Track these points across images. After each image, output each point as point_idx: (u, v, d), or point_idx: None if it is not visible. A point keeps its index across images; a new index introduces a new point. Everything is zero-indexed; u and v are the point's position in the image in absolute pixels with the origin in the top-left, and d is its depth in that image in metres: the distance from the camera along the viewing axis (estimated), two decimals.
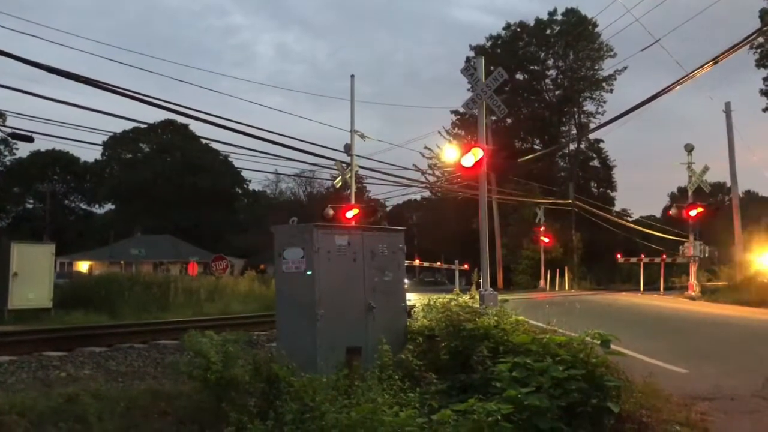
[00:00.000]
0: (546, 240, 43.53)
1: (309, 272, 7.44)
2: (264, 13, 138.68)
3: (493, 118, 30.89)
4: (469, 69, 13.42)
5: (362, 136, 24.52)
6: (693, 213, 27.25)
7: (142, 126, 50.59)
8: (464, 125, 56.58)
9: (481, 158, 12.55)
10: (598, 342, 6.61)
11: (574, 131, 62.88)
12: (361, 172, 27.97)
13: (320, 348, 7.22)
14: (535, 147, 57.32)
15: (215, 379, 6.10)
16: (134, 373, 9.16)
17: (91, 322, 16.28)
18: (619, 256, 34.22)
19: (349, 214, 22.98)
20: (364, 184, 48.47)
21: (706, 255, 30.89)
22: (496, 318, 8.10)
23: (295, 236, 7.82)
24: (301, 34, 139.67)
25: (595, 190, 64.20)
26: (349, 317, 7.72)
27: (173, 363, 8.10)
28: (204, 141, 52.02)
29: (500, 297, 11.47)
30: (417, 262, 39.23)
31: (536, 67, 63.11)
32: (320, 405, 5.43)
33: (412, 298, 12.15)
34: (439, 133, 57.79)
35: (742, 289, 24.29)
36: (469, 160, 12.52)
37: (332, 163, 25.75)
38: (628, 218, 65.34)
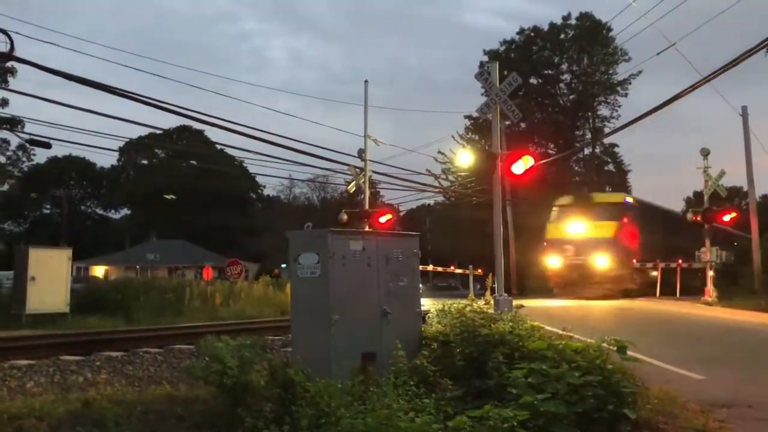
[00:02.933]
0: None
1: (323, 277, 7.48)
2: (276, 19, 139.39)
3: (507, 122, 30.80)
4: (483, 74, 13.42)
5: (375, 141, 24.61)
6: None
7: (158, 132, 51.07)
8: (478, 130, 56.43)
9: (496, 163, 12.57)
10: (615, 348, 6.58)
11: (589, 136, 62.58)
12: (375, 177, 28.04)
13: (335, 353, 7.24)
14: (550, 152, 57.03)
15: (231, 384, 6.13)
16: (150, 377, 9.22)
17: (107, 327, 16.41)
18: (634, 260, 33.94)
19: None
20: (378, 189, 48.55)
21: (723, 260, 30.56)
22: (511, 324, 8.08)
23: (310, 241, 7.86)
24: (314, 39, 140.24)
25: None
26: (364, 322, 7.73)
27: (189, 368, 8.14)
28: (219, 146, 52.41)
29: (515, 302, 11.45)
30: (431, 267, 39.12)
31: (550, 72, 62.87)
32: (335, 410, 5.45)
33: (427, 304, 12.14)
34: (453, 137, 57.70)
35: (760, 295, 24.07)
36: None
37: (346, 167, 25.87)
38: None
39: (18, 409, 6.12)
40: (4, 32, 12.47)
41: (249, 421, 5.61)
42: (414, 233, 9.28)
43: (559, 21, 61.91)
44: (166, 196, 62.01)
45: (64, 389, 7.97)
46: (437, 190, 44.95)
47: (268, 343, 11.94)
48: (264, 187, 79.01)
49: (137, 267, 55.47)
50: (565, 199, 34.01)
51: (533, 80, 61.00)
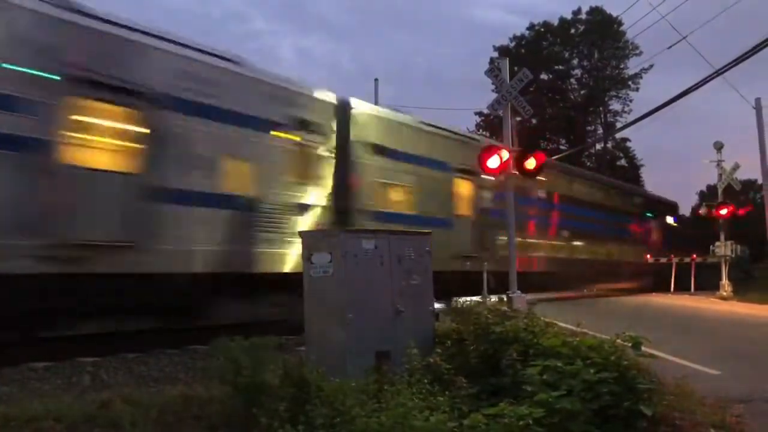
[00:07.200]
0: None
1: (336, 276, 7.49)
2: (284, 18, 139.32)
3: (519, 118, 30.70)
4: (493, 70, 13.38)
5: None
6: (723, 212, 27.59)
7: None
8: (489, 126, 56.34)
9: (507, 160, 12.52)
10: (630, 344, 6.55)
11: (600, 131, 62.34)
12: None
13: (349, 352, 7.27)
14: (561, 147, 56.79)
15: (245, 384, 6.13)
16: (165, 378, 9.25)
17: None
18: (648, 256, 33.80)
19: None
20: None
21: (738, 254, 30.41)
22: (525, 320, 8.06)
23: (323, 241, 7.88)
24: (323, 37, 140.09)
25: None
26: (377, 321, 7.73)
27: (204, 368, 8.16)
28: None
29: (528, 299, 11.43)
30: None
31: (561, 67, 62.68)
32: (350, 409, 5.44)
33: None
34: None
35: None
36: (494, 162, 12.49)
37: None
38: None
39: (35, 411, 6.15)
40: None
41: (264, 421, 5.61)
42: (426, 231, 9.27)
43: (569, 16, 61.69)
44: None
45: (81, 390, 8.00)
46: None
47: (282, 342, 11.93)
48: None
49: None
50: None
51: (544, 76, 60.80)
